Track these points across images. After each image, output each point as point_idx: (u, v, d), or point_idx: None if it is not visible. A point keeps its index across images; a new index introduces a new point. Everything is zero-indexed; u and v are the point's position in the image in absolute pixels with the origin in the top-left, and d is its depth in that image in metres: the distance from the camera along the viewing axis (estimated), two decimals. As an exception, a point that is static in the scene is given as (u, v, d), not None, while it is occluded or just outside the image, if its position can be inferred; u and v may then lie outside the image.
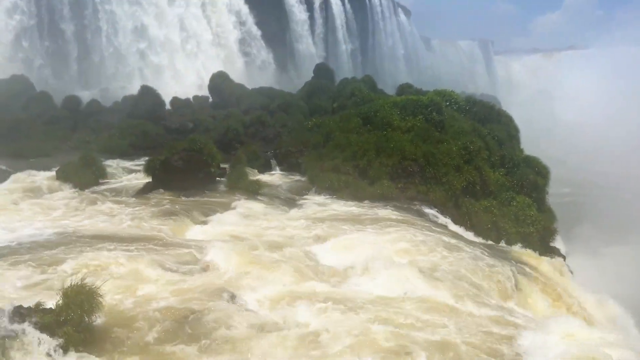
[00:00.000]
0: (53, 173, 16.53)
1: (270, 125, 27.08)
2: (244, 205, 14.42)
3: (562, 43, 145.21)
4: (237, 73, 44.07)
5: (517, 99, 76.87)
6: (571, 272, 15.11)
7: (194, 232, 12.35)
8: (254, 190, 15.94)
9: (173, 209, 13.52)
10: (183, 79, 43.59)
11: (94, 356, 6.14)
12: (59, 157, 20.21)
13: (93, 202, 14.38)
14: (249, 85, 38.47)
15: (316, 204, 15.56)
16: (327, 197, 16.42)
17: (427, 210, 15.80)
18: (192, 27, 46.47)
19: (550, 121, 68.02)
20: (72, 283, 6.64)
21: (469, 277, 9.86)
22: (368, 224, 12.88)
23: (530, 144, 26.15)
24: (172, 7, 45.27)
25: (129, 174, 18.71)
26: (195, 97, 34.58)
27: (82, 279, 6.73)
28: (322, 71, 36.97)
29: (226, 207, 14.23)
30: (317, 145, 20.35)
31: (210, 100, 34.24)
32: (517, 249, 14.73)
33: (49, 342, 5.95)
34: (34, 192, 15.27)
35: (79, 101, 30.76)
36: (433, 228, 13.50)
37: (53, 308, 6.40)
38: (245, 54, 51.11)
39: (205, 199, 15.09)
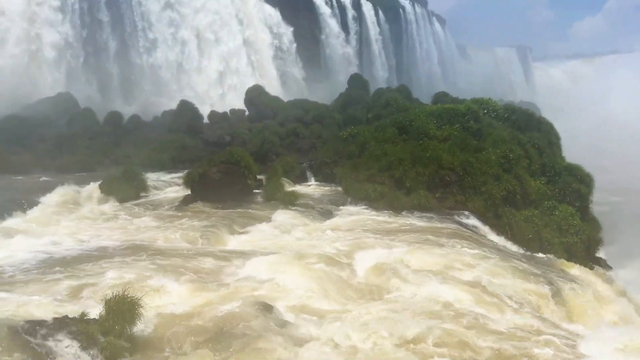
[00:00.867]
0: (97, 187, 17.04)
1: (305, 137, 27.25)
2: (280, 216, 14.49)
3: (604, 47, 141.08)
4: (272, 86, 44.66)
5: (558, 106, 74.79)
6: (619, 283, 14.48)
7: (232, 243, 12.48)
8: (289, 202, 16.00)
9: (211, 221, 13.71)
10: (221, 94, 44.47)
11: (135, 366, 6.25)
12: (102, 171, 20.85)
13: (134, 215, 14.75)
14: (284, 97, 38.87)
15: (352, 214, 15.48)
16: (363, 207, 16.32)
17: (466, 220, 15.50)
18: (228, 41, 47.41)
19: (593, 127, 65.77)
20: (114, 294, 6.79)
21: (513, 288, 9.58)
22: (406, 235, 12.72)
23: (572, 152, 25.34)
24: (209, 23, 46.35)
25: (169, 186, 19.11)
26: (232, 111, 35.19)
27: (124, 290, 6.88)
28: (357, 82, 36.98)
29: (263, 218, 14.33)
30: (352, 156, 20.30)
31: (247, 113, 34.77)
32: (560, 259, 14.22)
33: (93, 351, 6.08)
34: (78, 205, 15.80)
35: (120, 117, 31.73)
36: (473, 238, 13.21)
37: (97, 318, 6.56)
38: (280, 66, 51.75)
39: (243, 210, 15.24)
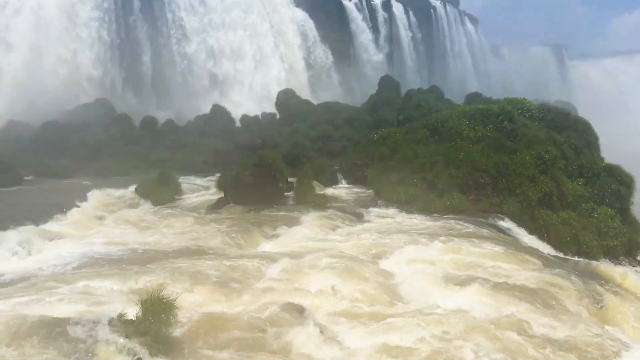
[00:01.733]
0: (133, 190, 17.46)
1: (335, 139, 27.28)
2: (311, 218, 14.54)
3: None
4: (303, 89, 44.93)
5: (596, 105, 72.53)
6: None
7: (265, 245, 12.58)
8: (321, 204, 16.05)
9: (244, 224, 13.86)
10: (251, 97, 45.02)
11: (171, 366, 6.35)
12: (138, 175, 21.34)
13: (169, 218, 15.04)
14: (315, 100, 39.02)
15: (383, 216, 15.41)
16: (395, 210, 16.23)
17: (501, 222, 15.22)
18: (260, 46, 47.94)
19: (636, 127, 63.31)
20: (150, 295, 6.93)
21: (551, 293, 9.34)
22: (439, 237, 12.55)
23: (612, 151, 24.54)
24: (241, 28, 46.97)
25: (202, 190, 19.42)
26: (263, 114, 35.57)
27: (159, 292, 7.01)
28: (387, 83, 36.85)
29: (294, 221, 14.40)
30: (383, 158, 20.21)
31: (278, 116, 35.07)
32: (599, 263, 13.80)
33: (129, 351, 6.23)
34: (115, 208, 16.20)
35: (155, 122, 32.46)
36: (508, 241, 12.95)
37: (133, 319, 6.71)
38: (310, 69, 51.98)
39: (275, 213, 15.37)
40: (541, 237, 15.21)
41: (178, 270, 9.54)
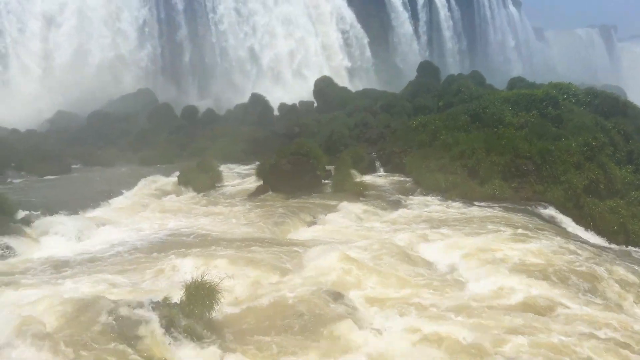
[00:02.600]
0: (175, 178, 17.90)
1: (373, 127, 27.05)
2: (349, 206, 14.54)
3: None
4: (341, 76, 44.74)
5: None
6: None
7: (303, 232, 12.69)
8: (358, 192, 16.02)
9: (282, 211, 14.01)
10: (289, 85, 45.18)
11: (214, 347, 6.53)
12: (180, 163, 21.84)
13: (210, 205, 15.37)
14: (352, 87, 38.75)
15: (423, 204, 15.25)
16: (434, 197, 16.03)
17: (545, 211, 14.83)
18: (298, 34, 47.96)
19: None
20: (193, 280, 7.14)
21: (600, 282, 9.09)
22: (481, 225, 12.36)
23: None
24: (281, 19, 47.13)
25: (242, 177, 19.71)
26: (301, 102, 35.64)
27: (202, 277, 7.20)
28: (427, 69, 36.15)
29: (332, 208, 14.44)
30: (422, 145, 19.94)
31: (315, 104, 35.06)
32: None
33: (175, 333, 6.45)
34: (159, 195, 16.67)
35: (196, 111, 33.05)
36: (553, 230, 12.62)
37: (178, 303, 6.93)
38: (349, 56, 51.63)
39: (312, 200, 15.45)
40: (587, 226, 14.75)
41: (219, 255, 9.76)
